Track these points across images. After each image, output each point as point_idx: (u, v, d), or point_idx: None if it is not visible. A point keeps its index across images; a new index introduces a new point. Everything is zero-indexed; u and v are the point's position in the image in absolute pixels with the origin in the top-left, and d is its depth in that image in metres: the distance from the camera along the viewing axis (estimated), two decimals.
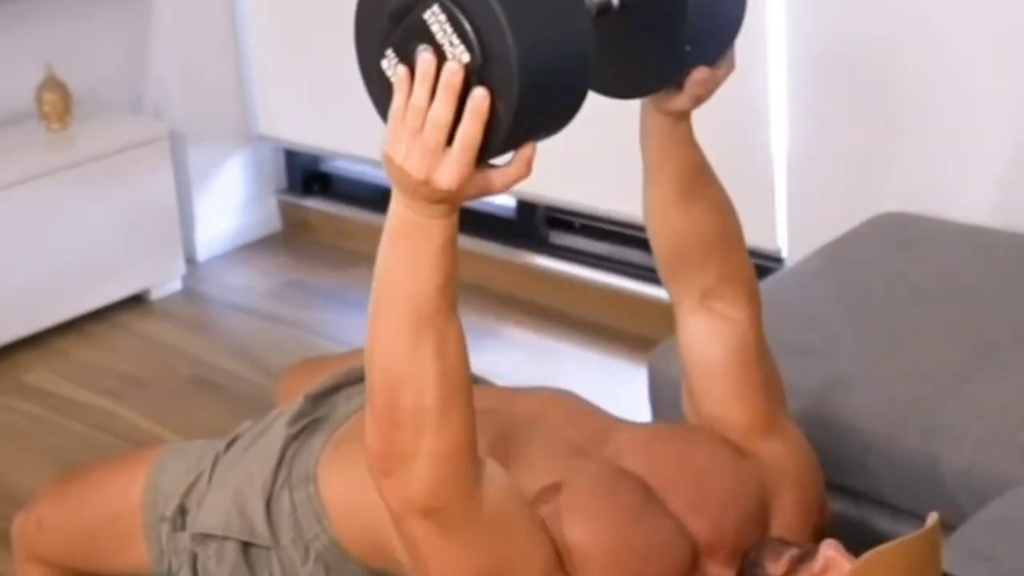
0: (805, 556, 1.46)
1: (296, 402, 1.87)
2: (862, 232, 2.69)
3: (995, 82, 2.72)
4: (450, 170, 1.25)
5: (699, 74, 1.51)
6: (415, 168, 1.26)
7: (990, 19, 2.70)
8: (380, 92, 1.30)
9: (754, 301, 1.72)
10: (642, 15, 1.46)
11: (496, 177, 1.30)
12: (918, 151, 2.85)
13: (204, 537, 1.79)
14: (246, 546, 1.77)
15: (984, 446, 1.99)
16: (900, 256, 2.57)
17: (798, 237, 3.06)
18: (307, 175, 4.22)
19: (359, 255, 3.78)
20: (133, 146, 3.63)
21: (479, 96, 1.23)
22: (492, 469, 1.44)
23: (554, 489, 1.51)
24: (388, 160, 1.29)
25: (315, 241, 4.09)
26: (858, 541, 1.43)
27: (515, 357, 3.31)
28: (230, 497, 1.78)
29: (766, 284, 2.57)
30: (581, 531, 1.47)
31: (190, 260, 3.91)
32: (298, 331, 3.57)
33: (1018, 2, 2.64)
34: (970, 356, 2.19)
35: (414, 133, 1.26)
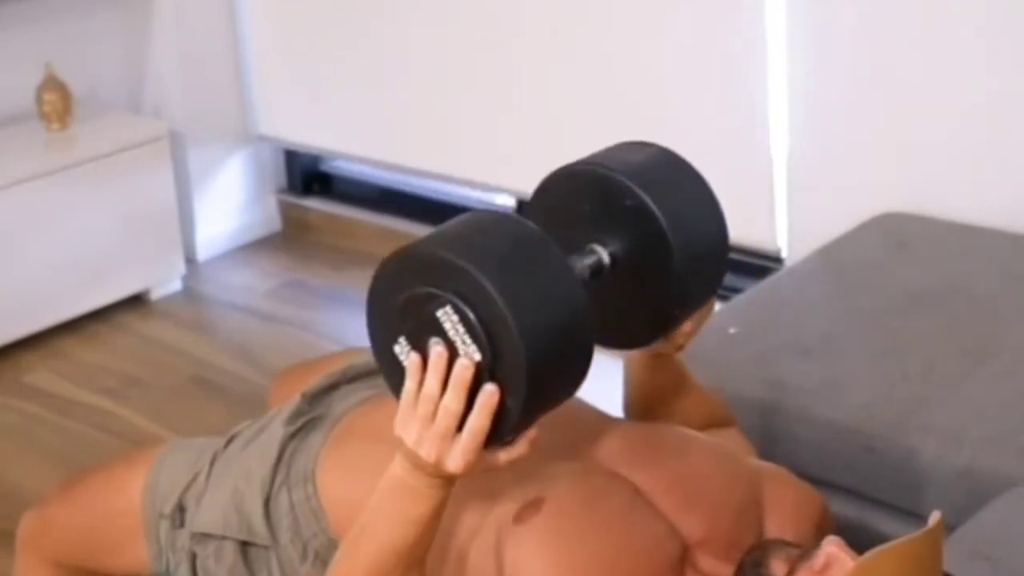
0: (807, 554, 1.46)
1: (293, 401, 1.87)
2: (862, 232, 2.69)
3: (995, 82, 2.72)
4: (459, 457, 1.34)
5: (685, 327, 1.60)
6: (426, 452, 1.34)
7: (990, 19, 2.70)
8: (392, 370, 1.39)
9: (730, 420, 1.84)
10: (631, 273, 1.54)
11: (501, 455, 1.38)
12: (918, 151, 2.85)
13: (203, 536, 1.80)
14: (244, 545, 1.77)
15: (984, 446, 1.99)
16: (900, 256, 2.57)
17: (798, 237, 3.06)
18: (307, 175, 4.22)
19: (359, 255, 3.78)
20: (133, 146, 3.64)
21: (490, 392, 1.31)
22: None
23: (534, 506, 1.52)
24: (399, 441, 1.37)
25: (315, 241, 4.09)
26: (858, 541, 1.43)
27: None
28: (228, 496, 1.78)
29: (766, 284, 2.58)
30: (543, 565, 1.49)
31: (190, 260, 3.91)
32: (298, 331, 3.57)
33: (1016, 3, 2.64)
34: (970, 356, 2.19)
35: (425, 420, 1.34)
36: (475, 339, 1.31)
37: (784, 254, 3.14)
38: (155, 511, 1.84)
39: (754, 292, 2.53)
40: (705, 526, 1.55)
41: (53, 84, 3.57)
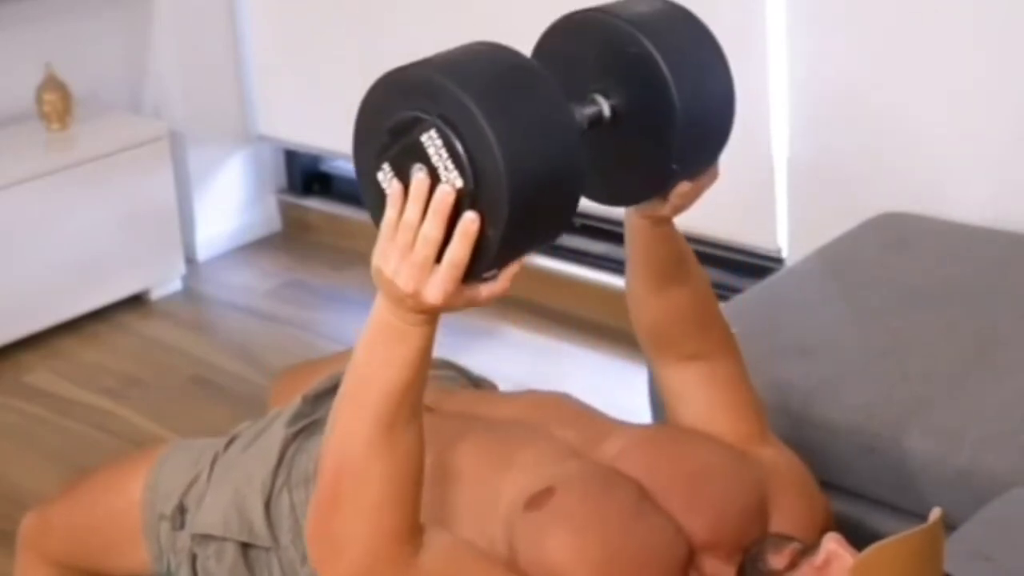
0: (807, 550, 1.46)
1: (294, 402, 1.87)
2: (862, 232, 2.69)
3: (994, 82, 2.72)
4: (437, 287, 1.30)
5: (683, 187, 1.54)
6: (404, 282, 1.31)
7: (990, 20, 2.70)
8: (374, 199, 1.36)
9: (732, 346, 1.77)
10: (632, 127, 1.49)
11: (482, 290, 1.34)
12: (918, 151, 2.85)
13: (203, 537, 1.80)
14: (245, 546, 1.77)
15: (984, 446, 1.99)
16: (900, 256, 2.57)
17: (798, 237, 3.06)
18: (307, 175, 4.22)
19: (359, 255, 3.77)
20: (133, 146, 3.63)
21: (469, 220, 1.28)
22: (433, 538, 1.47)
23: (546, 494, 1.52)
24: (377, 271, 1.34)
25: (315, 241, 4.09)
26: (858, 541, 1.43)
27: (515, 357, 3.31)
28: (229, 497, 1.78)
29: (766, 284, 2.58)
30: (565, 545, 1.48)
31: (190, 260, 3.91)
32: (298, 331, 3.57)
33: (1016, 3, 2.64)
34: (970, 356, 2.19)
35: (404, 249, 1.31)
36: (458, 165, 1.27)
37: (784, 254, 3.14)
38: (155, 512, 1.84)
39: (754, 292, 2.53)
40: (710, 528, 1.55)
41: (53, 84, 3.56)
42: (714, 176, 1.57)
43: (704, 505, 1.56)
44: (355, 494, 1.41)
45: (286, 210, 4.21)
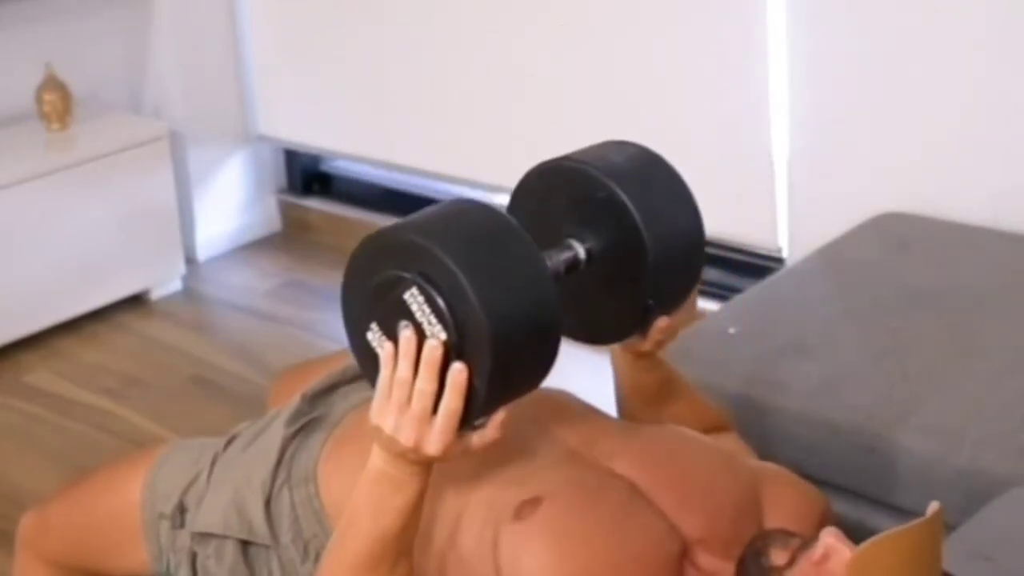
0: (806, 545, 1.46)
1: (294, 402, 1.87)
2: (862, 232, 2.69)
3: (995, 83, 2.72)
4: (437, 439, 1.36)
5: (660, 323, 1.61)
6: (405, 437, 1.37)
7: (990, 19, 2.70)
8: (367, 360, 1.41)
9: (726, 425, 1.84)
10: (607, 269, 1.56)
11: (475, 439, 1.40)
12: (918, 151, 2.85)
13: (203, 536, 1.79)
14: (245, 545, 1.77)
15: (984, 446, 1.99)
16: (900, 256, 2.57)
17: (798, 237, 3.06)
18: (307, 175, 4.22)
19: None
20: (133, 146, 3.64)
21: (457, 371, 1.34)
22: None
23: (533, 504, 1.52)
24: (377, 430, 1.39)
25: (315, 241, 4.09)
26: (858, 541, 1.43)
27: None
28: (229, 497, 1.78)
29: (766, 284, 2.58)
30: (536, 563, 1.49)
31: (190, 260, 3.91)
32: (298, 331, 3.57)
33: (1016, 3, 2.64)
34: (970, 356, 2.19)
35: (401, 406, 1.37)
36: (440, 319, 1.33)
37: (784, 254, 3.14)
38: (155, 511, 1.84)
39: (754, 292, 2.53)
40: (704, 524, 1.55)
41: (53, 84, 3.57)
42: (690, 311, 1.68)
43: (697, 501, 1.57)
44: None
45: (286, 210, 4.21)
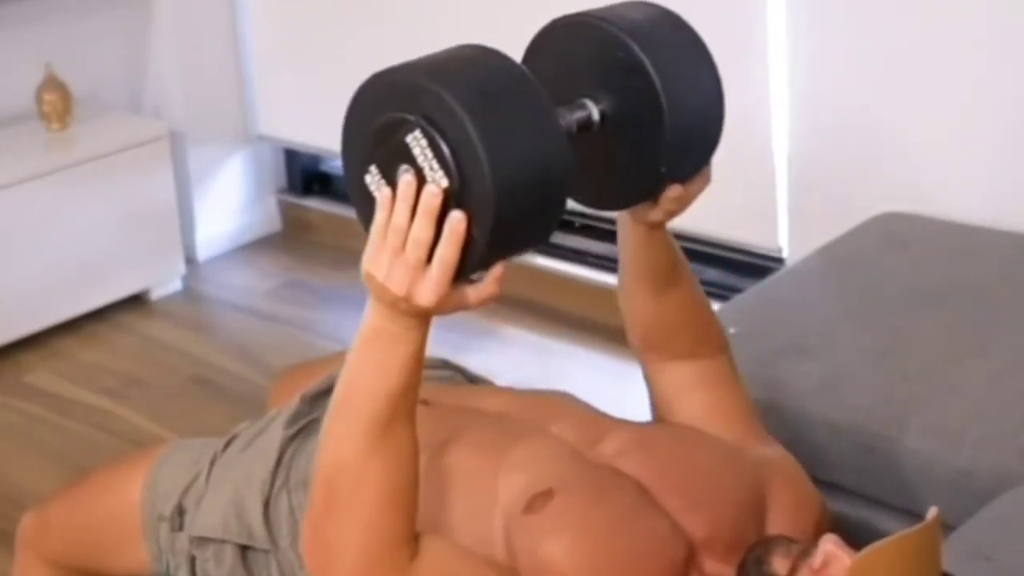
0: (806, 552, 1.46)
1: (293, 403, 1.87)
2: (862, 232, 2.69)
3: (994, 82, 2.72)
4: (429, 289, 1.31)
5: (673, 191, 1.54)
6: (396, 285, 1.32)
7: (989, 20, 2.70)
8: (363, 204, 1.36)
9: (725, 347, 1.78)
10: (621, 132, 1.50)
11: (471, 293, 1.34)
12: (918, 151, 2.85)
13: (202, 539, 1.79)
14: (244, 549, 1.77)
15: (984, 446, 1.99)
16: (900, 256, 2.57)
17: (798, 237, 3.06)
18: (307, 175, 4.22)
19: (359, 255, 3.75)
20: (133, 146, 3.64)
21: (456, 219, 1.28)
22: (429, 544, 1.46)
23: (545, 496, 1.51)
24: (369, 276, 1.34)
25: (315, 241, 4.09)
26: (858, 541, 1.43)
27: (515, 357, 3.31)
28: (228, 499, 1.78)
29: (766, 284, 2.58)
30: (558, 546, 1.48)
31: (190, 260, 3.91)
32: (298, 331, 3.57)
33: (1016, 4, 2.64)
34: (970, 356, 2.19)
35: (395, 251, 1.31)
36: (443, 164, 1.28)
37: (784, 254, 3.14)
38: (154, 512, 1.84)
39: (754, 292, 2.53)
40: (709, 526, 1.54)
41: (53, 84, 3.57)
42: (706, 181, 1.58)
43: (702, 503, 1.56)
44: (350, 499, 1.41)
45: (286, 210, 4.21)
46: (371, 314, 1.37)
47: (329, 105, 3.85)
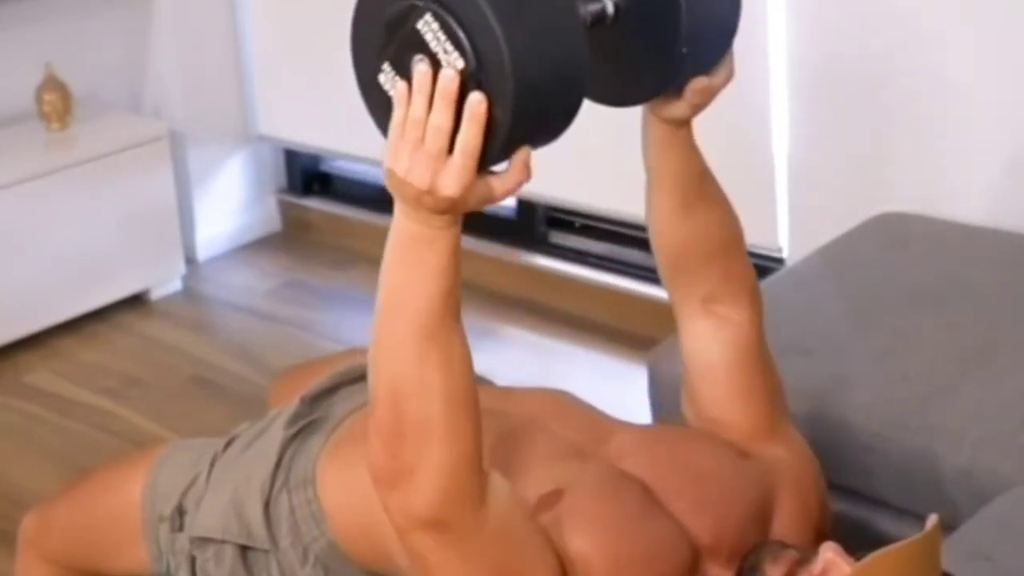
0: (805, 559, 1.45)
1: (293, 403, 1.87)
2: (862, 232, 2.69)
3: (994, 83, 2.72)
4: (453, 177, 1.26)
5: (697, 83, 1.51)
6: (418, 178, 1.27)
7: (989, 21, 2.70)
8: (379, 107, 1.31)
9: (756, 303, 1.72)
10: (637, 23, 1.46)
11: (496, 184, 1.30)
12: (918, 151, 2.85)
13: (202, 540, 1.79)
14: (244, 549, 1.77)
15: (984, 446, 1.99)
16: (900, 256, 2.57)
17: (798, 237, 3.06)
18: (307, 175, 4.22)
19: (359, 255, 3.78)
20: (133, 146, 3.63)
21: (476, 101, 1.24)
22: (497, 481, 1.43)
23: (555, 495, 1.51)
24: (390, 174, 1.29)
25: (315, 241, 4.09)
26: (858, 541, 1.43)
27: (515, 357, 3.31)
28: (228, 499, 1.78)
29: (766, 284, 2.57)
30: (582, 539, 1.47)
31: (190, 260, 3.91)
32: (298, 331, 3.57)
33: (1017, 4, 2.64)
34: (970, 356, 2.19)
35: (415, 144, 1.27)
36: (457, 46, 1.23)
37: (784, 254, 3.14)
38: (155, 513, 1.84)
39: None
40: (714, 530, 1.54)
41: (53, 84, 3.56)
42: (730, 72, 1.54)
43: (708, 507, 1.55)
44: (420, 415, 1.35)
45: (286, 210, 4.20)
46: (398, 219, 1.32)
47: (329, 105, 3.89)
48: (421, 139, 1.26)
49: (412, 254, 1.32)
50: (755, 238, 3.18)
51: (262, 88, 4.05)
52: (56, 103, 3.56)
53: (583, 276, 3.55)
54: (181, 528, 1.82)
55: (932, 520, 1.35)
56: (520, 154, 1.29)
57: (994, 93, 2.73)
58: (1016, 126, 2.70)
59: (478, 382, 1.99)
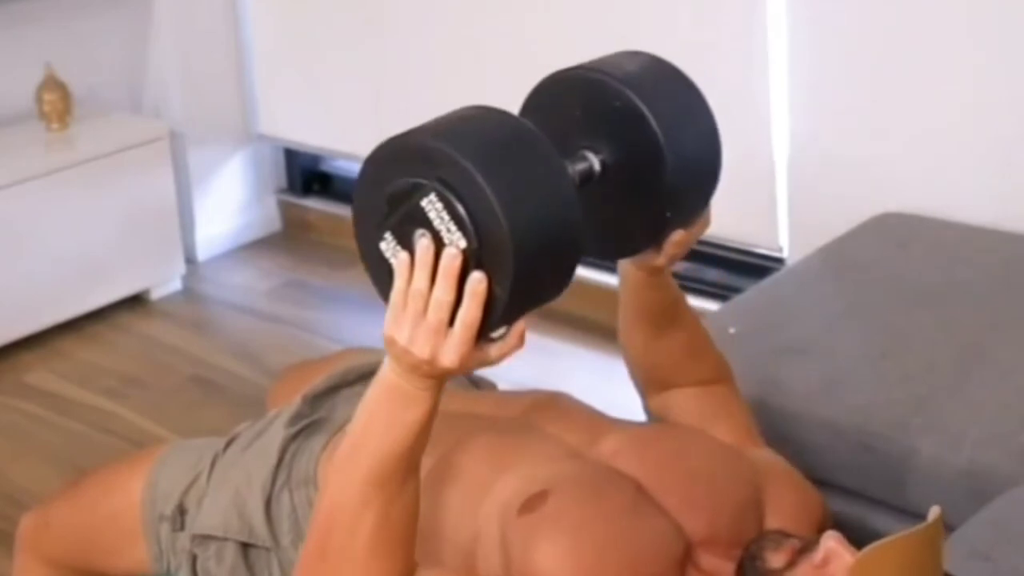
0: (806, 548, 1.46)
1: (294, 403, 1.87)
2: (862, 232, 2.69)
3: (994, 82, 2.72)
4: (453, 350, 1.31)
5: (676, 236, 1.57)
6: (420, 349, 1.31)
7: (989, 20, 2.70)
8: (379, 271, 1.36)
9: (726, 375, 1.82)
10: (622, 181, 1.51)
11: (492, 351, 1.35)
12: (918, 151, 2.85)
13: (203, 538, 1.79)
14: (245, 547, 1.77)
15: (984, 446, 1.99)
16: (900, 256, 2.57)
17: (798, 237, 3.06)
18: (307, 175, 4.22)
19: (359, 255, 3.77)
20: (133, 146, 3.64)
21: (477, 279, 1.28)
22: None
23: (540, 497, 1.52)
24: (392, 342, 1.33)
25: (315, 241, 4.09)
26: (858, 541, 1.43)
27: (515, 357, 3.30)
28: (229, 498, 1.78)
29: (766, 284, 2.58)
30: (554, 553, 1.48)
31: (190, 260, 3.91)
32: (298, 331, 3.57)
33: (1017, 4, 2.64)
34: (970, 356, 2.19)
35: (417, 316, 1.31)
36: (460, 226, 1.27)
37: (784, 254, 3.14)
38: (155, 512, 1.84)
39: (754, 292, 2.53)
40: (707, 525, 1.55)
41: (53, 84, 3.57)
42: (706, 223, 1.60)
43: (701, 501, 1.57)
44: (343, 545, 1.41)
45: (286, 210, 4.21)
46: (388, 372, 1.37)
47: (329, 105, 3.89)
48: (423, 311, 1.30)
49: (389, 405, 1.38)
50: (755, 238, 3.20)
51: (262, 88, 4.05)
52: (56, 103, 3.56)
53: (583, 276, 3.54)
54: (182, 527, 1.82)
55: (934, 512, 1.35)
56: (517, 325, 1.34)
57: (994, 93, 2.73)
58: (1016, 126, 2.70)
59: (479, 385, 2.01)
